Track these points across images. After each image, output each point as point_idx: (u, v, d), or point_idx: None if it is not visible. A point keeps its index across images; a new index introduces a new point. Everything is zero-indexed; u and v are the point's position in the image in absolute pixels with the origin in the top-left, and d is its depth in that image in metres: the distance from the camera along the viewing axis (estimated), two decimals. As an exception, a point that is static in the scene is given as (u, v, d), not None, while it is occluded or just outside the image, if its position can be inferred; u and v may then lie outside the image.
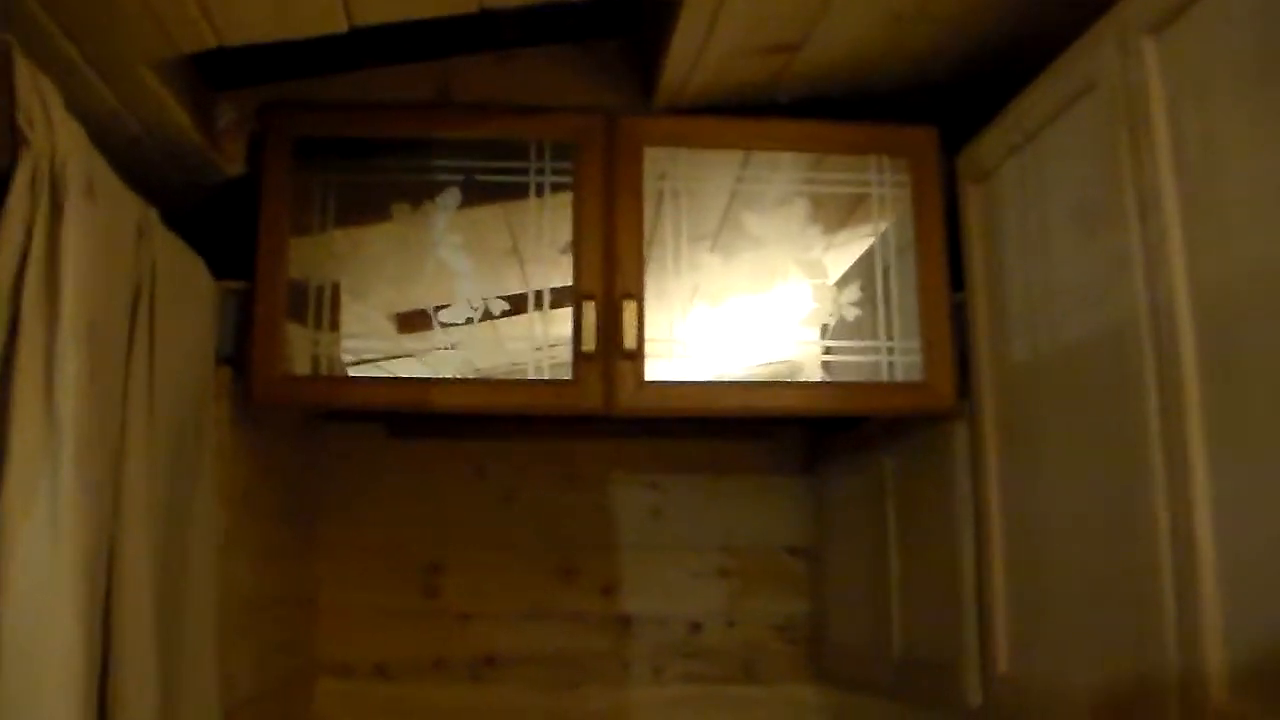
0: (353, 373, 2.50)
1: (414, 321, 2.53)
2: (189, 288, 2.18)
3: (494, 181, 2.50)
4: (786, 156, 2.57)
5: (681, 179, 2.51)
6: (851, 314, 2.53)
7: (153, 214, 1.97)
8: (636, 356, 2.37)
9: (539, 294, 2.43)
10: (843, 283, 2.56)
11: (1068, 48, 2.06)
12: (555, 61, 2.56)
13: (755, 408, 2.46)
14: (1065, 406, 2.07)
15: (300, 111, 2.44)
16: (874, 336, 2.51)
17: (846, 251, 2.61)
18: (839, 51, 2.37)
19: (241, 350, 2.34)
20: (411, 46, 2.50)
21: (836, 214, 2.61)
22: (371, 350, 2.49)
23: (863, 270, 2.59)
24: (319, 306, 2.41)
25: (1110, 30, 1.91)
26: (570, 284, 2.42)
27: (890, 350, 2.49)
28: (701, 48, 2.27)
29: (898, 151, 2.54)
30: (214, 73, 2.36)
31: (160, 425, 1.98)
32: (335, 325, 2.48)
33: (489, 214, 2.57)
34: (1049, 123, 2.11)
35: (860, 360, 2.52)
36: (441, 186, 2.47)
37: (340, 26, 2.00)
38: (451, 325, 2.44)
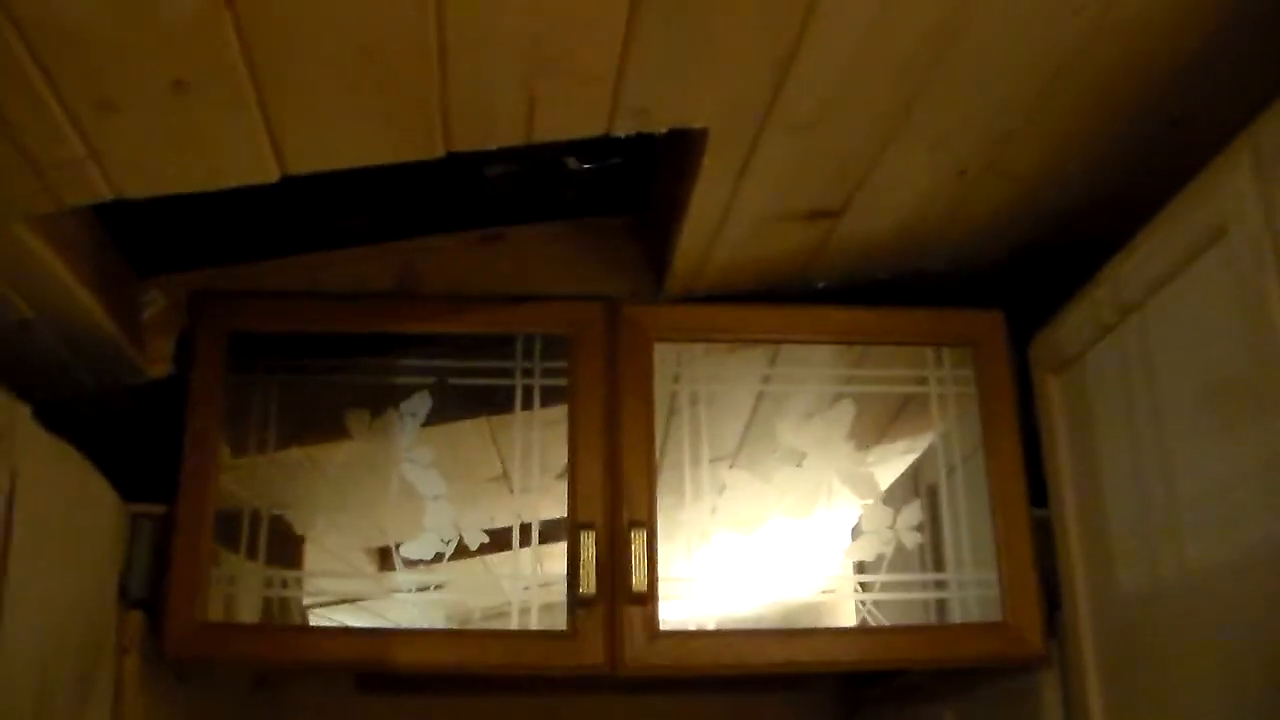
0: (316, 620, 2.05)
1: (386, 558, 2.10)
2: (78, 508, 1.72)
3: (472, 385, 2.05)
4: (823, 352, 2.13)
5: (700, 381, 2.07)
6: (912, 540, 2.04)
7: (22, 411, 1.53)
8: (648, 600, 1.88)
9: (526, 526, 1.96)
10: (897, 502, 2.08)
11: (1177, 193, 1.61)
12: (546, 241, 2.10)
13: (799, 662, 1.92)
14: (1195, 648, 1.58)
15: (237, 300, 2.00)
16: (935, 567, 2.04)
17: (894, 464, 2.17)
18: (888, 219, 1.92)
19: (158, 591, 1.86)
20: (375, 225, 2.07)
21: (885, 418, 2.16)
22: (348, 591, 2.05)
23: (917, 485, 2.12)
24: (253, 537, 1.93)
25: (1244, 157, 1.46)
26: (564, 514, 1.95)
27: (960, 584, 2.01)
28: (724, 216, 1.82)
29: (958, 341, 2.10)
30: (143, 257, 1.95)
31: (22, 686, 1.52)
32: (290, 561, 2.02)
33: (466, 426, 2.13)
34: (1159, 288, 1.65)
35: (921, 597, 2.04)
36: (408, 391, 2.01)
37: (270, 175, 1.52)
38: (418, 562, 1.96)
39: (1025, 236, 2.06)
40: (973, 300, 2.14)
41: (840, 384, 2.12)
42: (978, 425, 2.05)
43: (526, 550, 1.95)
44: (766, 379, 2.13)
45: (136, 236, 1.91)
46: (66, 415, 1.70)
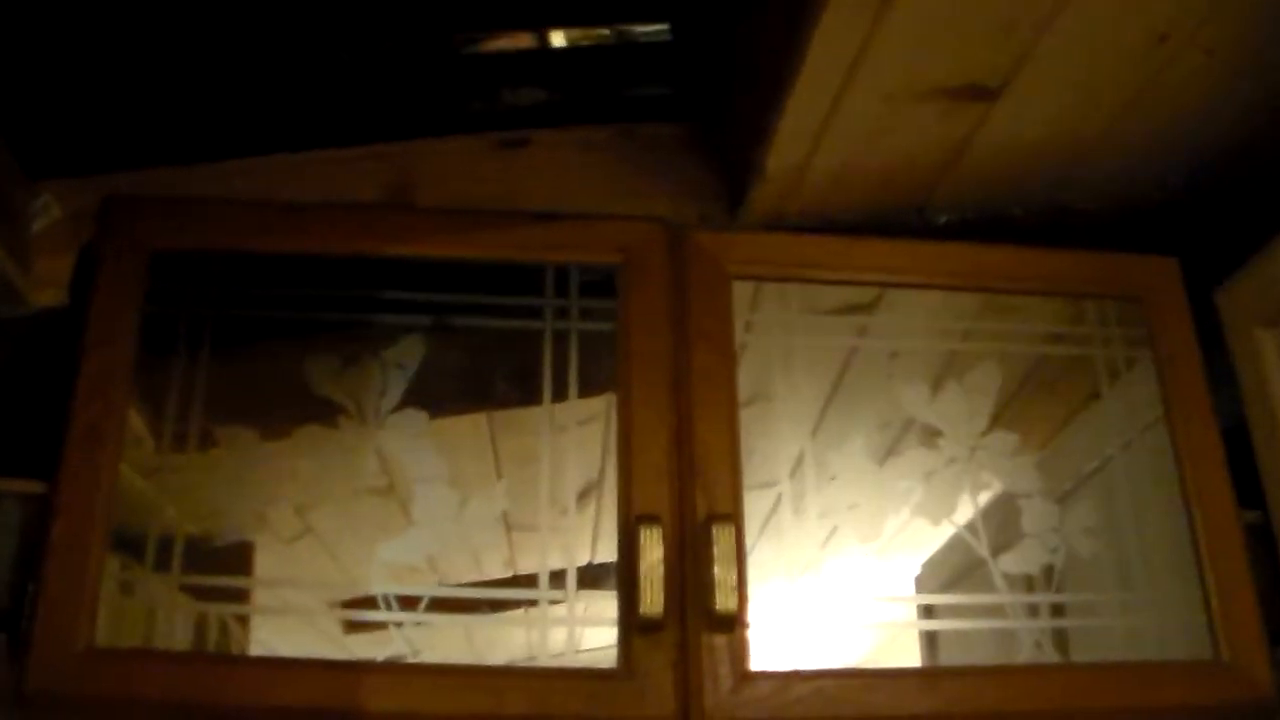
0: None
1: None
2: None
3: (483, 328, 1.43)
4: (939, 301, 1.54)
5: (797, 330, 1.48)
6: (1087, 548, 1.44)
7: None
8: (736, 624, 1.27)
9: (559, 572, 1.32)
10: (1061, 496, 1.50)
11: None
12: (582, 150, 1.50)
13: (950, 714, 1.28)
14: None
15: (163, 209, 1.38)
16: (1112, 585, 1.46)
17: (1051, 447, 1.58)
18: (1049, 109, 1.35)
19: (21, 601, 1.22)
20: (362, 122, 1.49)
21: (1032, 387, 1.59)
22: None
23: (1081, 474, 1.54)
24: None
25: None
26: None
27: (1150, 606, 1.43)
28: (847, 81, 1.24)
29: (1123, 292, 1.52)
30: (37, 154, 1.37)
31: None
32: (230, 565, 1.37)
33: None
34: None
35: (1097, 625, 1.44)
36: (394, 334, 1.41)
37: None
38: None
39: (1210, 152, 1.48)
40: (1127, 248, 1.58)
41: (984, 340, 1.53)
42: (1151, 400, 1.47)
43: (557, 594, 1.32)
44: (862, 332, 1.54)
45: (31, 129, 1.34)
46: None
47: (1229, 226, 1.53)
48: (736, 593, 1.27)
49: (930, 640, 1.61)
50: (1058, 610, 1.45)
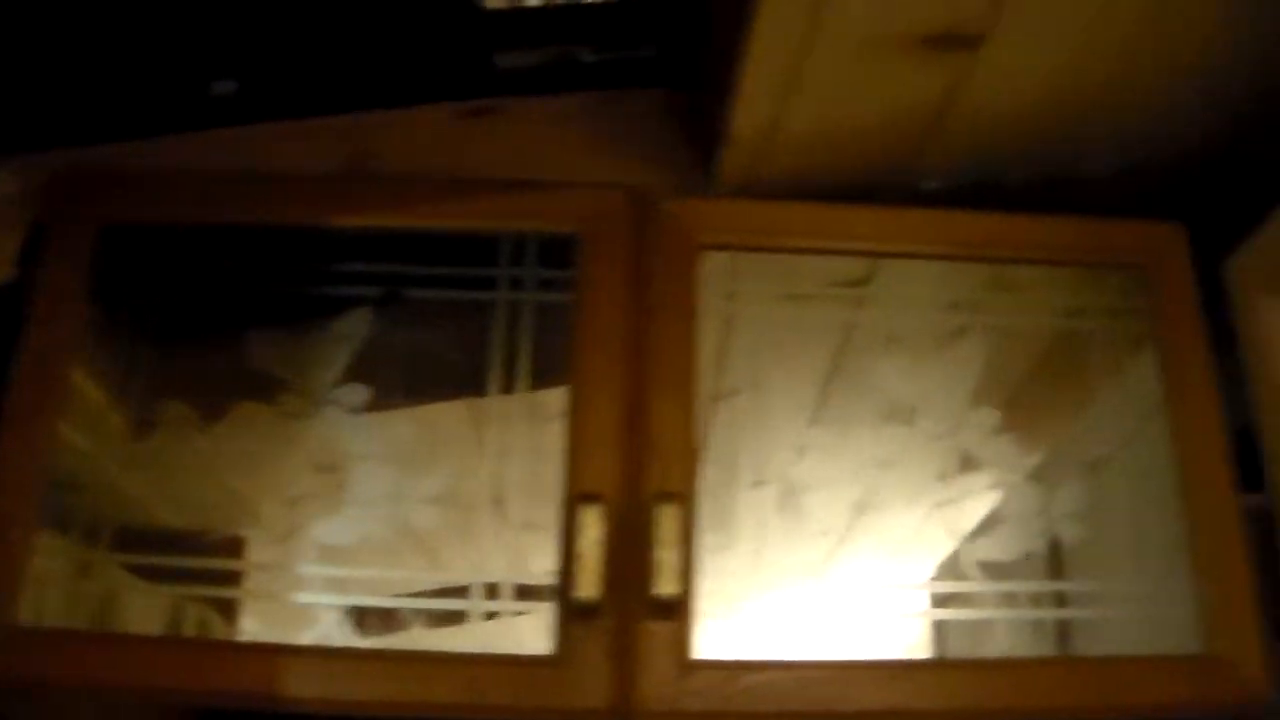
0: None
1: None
2: None
3: (436, 300, 1.34)
4: (934, 273, 1.40)
5: (784, 304, 1.39)
6: (1073, 532, 1.32)
7: None
8: (680, 612, 1.17)
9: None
10: (1044, 477, 1.36)
11: None
12: (555, 119, 1.40)
13: (910, 711, 1.16)
14: None
15: (111, 183, 1.32)
16: (1095, 573, 1.30)
17: (1041, 427, 1.48)
18: (1042, 61, 1.22)
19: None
20: (322, 95, 1.41)
21: (1026, 362, 1.46)
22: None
23: (1073, 456, 1.42)
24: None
25: None
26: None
27: (1143, 598, 1.28)
28: (812, 30, 1.13)
29: (1124, 261, 1.38)
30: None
31: None
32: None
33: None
34: None
35: (1078, 616, 1.31)
36: (341, 306, 1.34)
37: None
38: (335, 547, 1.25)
39: (1222, 107, 1.32)
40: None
41: (967, 314, 1.40)
42: (1155, 376, 1.33)
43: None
44: (859, 305, 1.42)
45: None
46: None
47: (1239, 195, 1.38)
48: (681, 576, 1.15)
49: (940, 637, 1.51)
50: (1050, 600, 1.35)
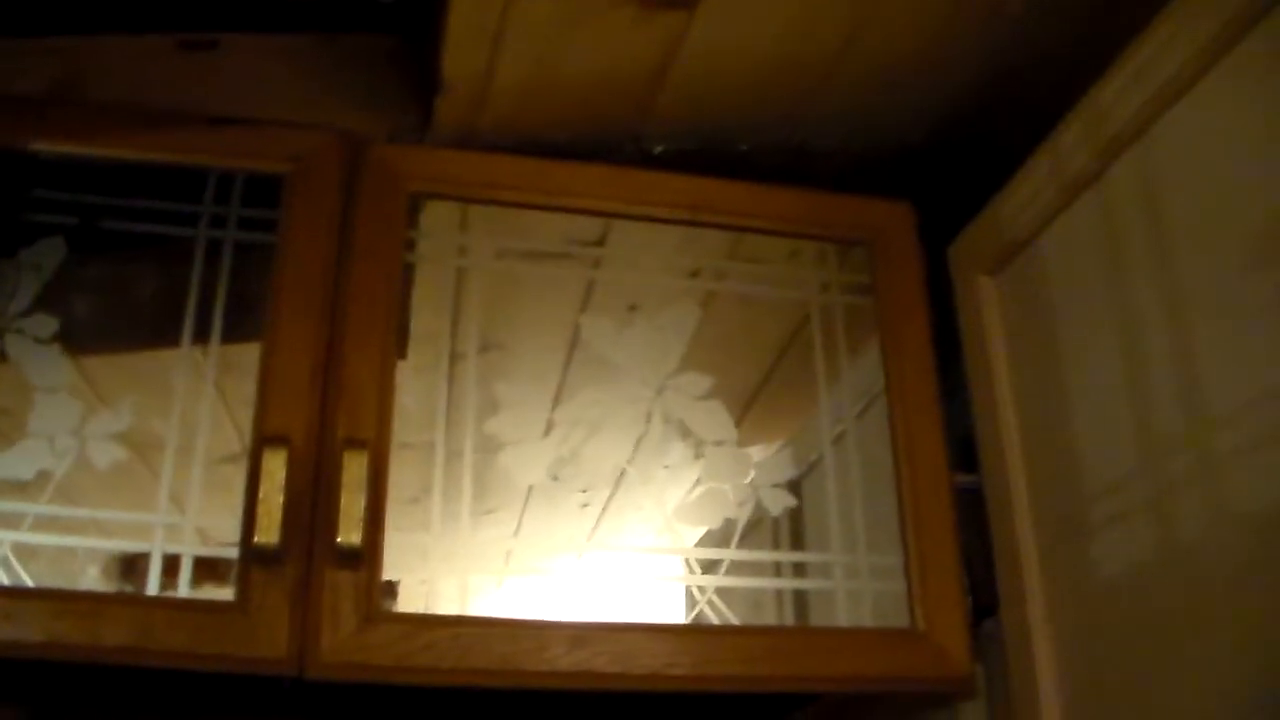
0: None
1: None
2: None
3: (129, 233, 1.24)
4: (668, 237, 1.36)
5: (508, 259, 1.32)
6: (780, 504, 1.28)
7: None
8: (365, 561, 1.09)
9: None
10: (757, 449, 1.33)
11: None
12: (275, 57, 1.32)
13: (597, 674, 1.11)
14: (1202, 649, 0.92)
15: None
16: (814, 547, 1.30)
17: (763, 401, 1.47)
18: (762, 30, 1.19)
19: None
20: (31, 11, 1.28)
21: (743, 330, 1.45)
22: None
23: (791, 433, 1.44)
24: None
25: None
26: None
27: (850, 572, 1.25)
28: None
29: (851, 236, 1.37)
30: None
31: None
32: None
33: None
34: (1164, 109, 1.01)
35: (788, 586, 1.31)
36: (35, 235, 1.22)
37: None
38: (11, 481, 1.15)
39: (947, 95, 1.32)
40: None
41: (685, 279, 1.36)
42: (877, 353, 1.32)
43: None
44: (595, 263, 1.34)
45: None
46: None
47: (970, 178, 1.38)
48: (368, 526, 1.09)
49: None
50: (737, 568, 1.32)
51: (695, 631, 1.20)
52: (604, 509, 1.33)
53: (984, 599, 1.26)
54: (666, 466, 1.29)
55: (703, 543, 1.31)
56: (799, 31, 1.23)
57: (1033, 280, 1.23)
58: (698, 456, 1.28)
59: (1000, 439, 1.25)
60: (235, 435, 1.19)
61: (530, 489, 1.30)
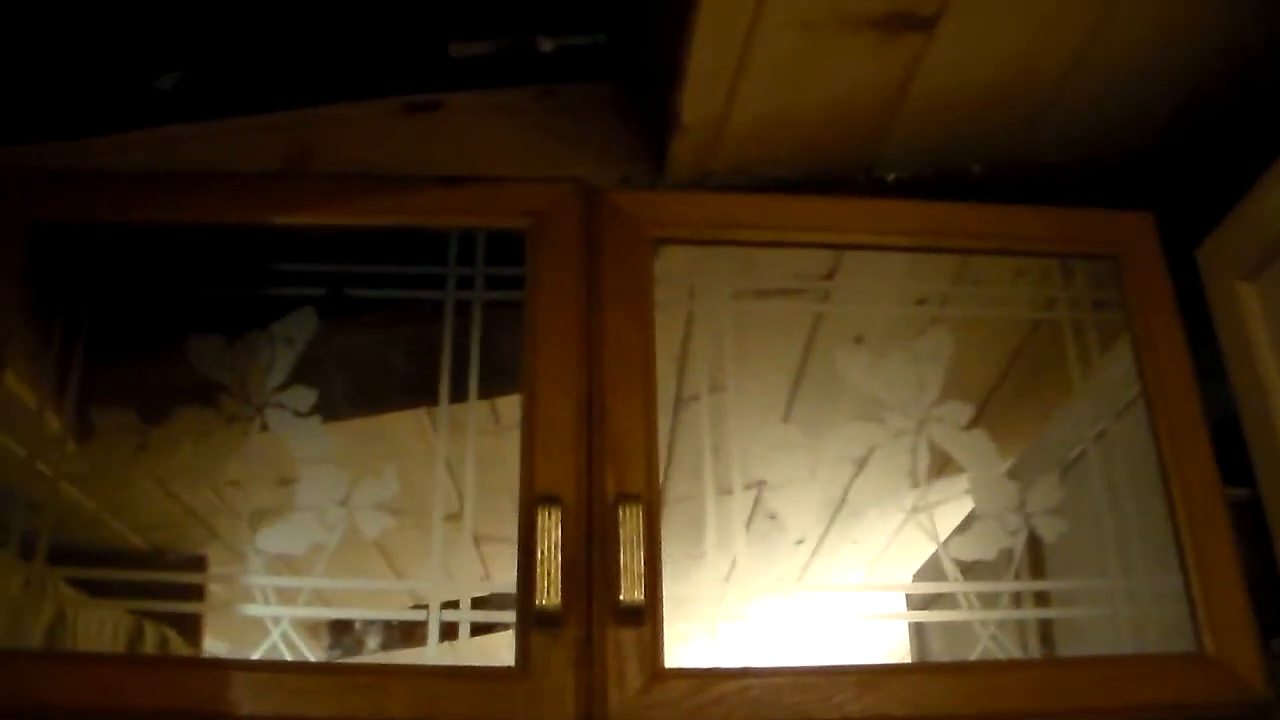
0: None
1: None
2: None
3: (379, 299, 1.22)
4: (902, 265, 1.30)
5: (724, 297, 1.25)
6: (1054, 530, 1.20)
7: None
8: (647, 618, 1.05)
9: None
10: (1020, 473, 1.25)
11: None
12: (498, 113, 1.30)
13: (896, 716, 1.04)
14: None
15: (45, 180, 1.20)
16: (1077, 572, 1.21)
17: (1009, 420, 1.38)
18: (998, 45, 1.14)
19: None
20: (260, 88, 1.29)
21: (997, 354, 1.40)
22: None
23: (1051, 451, 1.33)
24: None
25: None
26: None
27: (1128, 595, 1.17)
28: (755, 17, 1.04)
29: (1094, 250, 1.29)
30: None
31: None
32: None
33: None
34: None
35: (1060, 615, 1.25)
36: (284, 307, 1.21)
37: None
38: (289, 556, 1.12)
39: (1188, 91, 1.24)
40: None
41: (934, 306, 1.30)
42: (1128, 369, 1.25)
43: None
44: (824, 298, 1.31)
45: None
46: None
47: (1209, 180, 1.30)
48: (647, 582, 1.05)
49: (920, 640, 1.42)
50: (1031, 600, 1.25)
51: (983, 668, 1.13)
52: (882, 549, 1.28)
53: (1269, 617, 1.20)
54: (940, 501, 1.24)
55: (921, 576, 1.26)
56: (1040, 38, 1.17)
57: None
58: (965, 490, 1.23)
59: (1278, 449, 1.19)
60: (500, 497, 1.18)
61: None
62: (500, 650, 1.11)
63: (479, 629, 1.14)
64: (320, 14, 1.27)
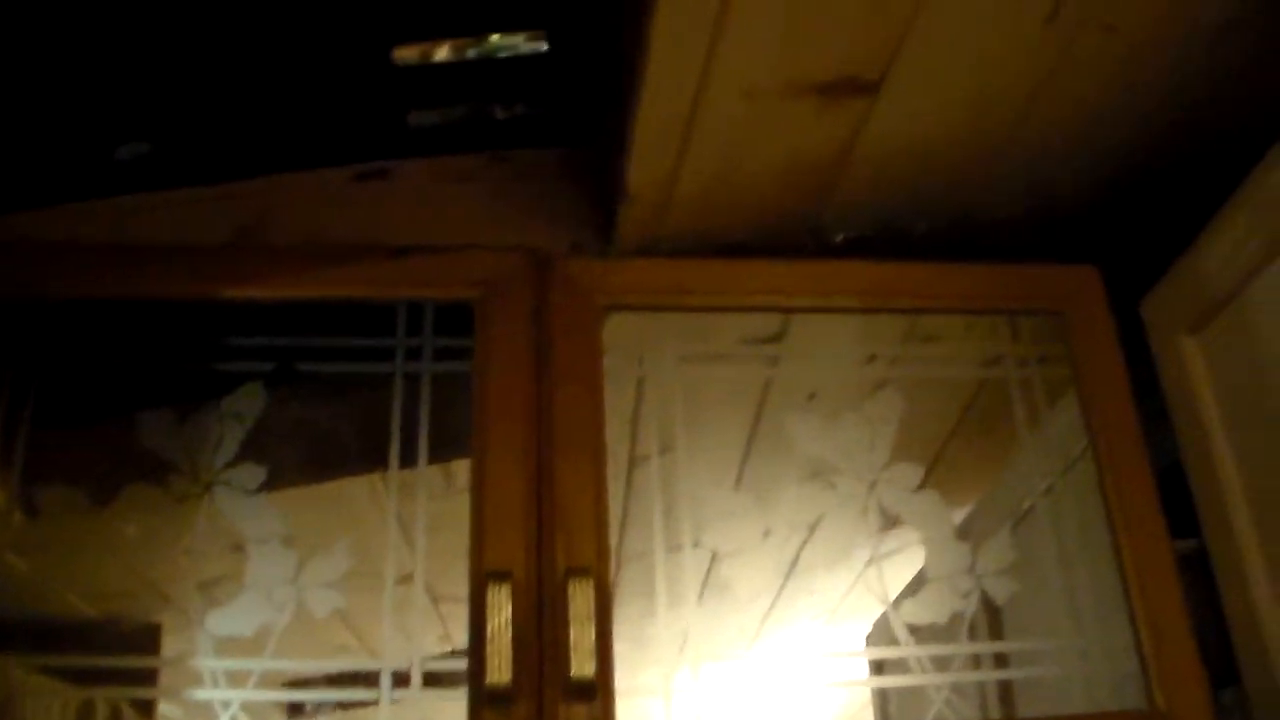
0: None
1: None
2: None
3: (328, 374, 1.20)
4: (851, 325, 1.30)
5: (673, 364, 1.24)
6: (1004, 592, 1.20)
7: None
8: (598, 692, 1.04)
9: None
10: (970, 533, 1.26)
11: None
12: (447, 180, 1.29)
13: None
14: None
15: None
16: (1030, 631, 1.22)
17: (960, 475, 1.42)
18: (941, 109, 1.14)
19: None
20: (215, 156, 1.27)
21: (945, 414, 1.41)
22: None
23: (1001, 505, 1.35)
24: None
25: None
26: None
27: (1081, 653, 1.17)
28: (701, 84, 1.04)
29: (1039, 306, 1.30)
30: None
31: None
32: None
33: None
34: None
35: (1024, 676, 1.21)
36: (232, 383, 1.19)
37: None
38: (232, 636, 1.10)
39: (1125, 148, 1.24)
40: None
41: (884, 367, 1.29)
42: (1074, 423, 1.25)
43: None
44: (774, 362, 1.31)
45: None
46: None
47: (1150, 234, 1.31)
48: (598, 656, 1.03)
49: (882, 704, 1.41)
50: (989, 661, 1.26)
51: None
52: (834, 608, 1.28)
53: (1218, 669, 1.21)
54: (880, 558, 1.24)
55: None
56: (983, 98, 1.17)
57: (1242, 336, 1.16)
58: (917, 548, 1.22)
59: (1224, 501, 1.18)
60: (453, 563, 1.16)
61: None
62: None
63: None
64: (276, 84, 1.27)
